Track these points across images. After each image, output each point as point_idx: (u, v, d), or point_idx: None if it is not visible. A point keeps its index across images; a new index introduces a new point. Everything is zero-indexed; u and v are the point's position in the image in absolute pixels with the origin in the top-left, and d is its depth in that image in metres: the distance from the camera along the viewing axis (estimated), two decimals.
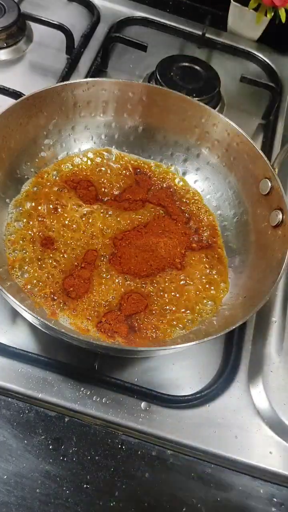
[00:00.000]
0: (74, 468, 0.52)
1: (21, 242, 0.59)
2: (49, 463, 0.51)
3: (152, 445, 0.54)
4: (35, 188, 0.63)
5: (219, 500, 0.53)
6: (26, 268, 0.57)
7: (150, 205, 0.66)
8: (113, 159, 0.69)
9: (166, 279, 0.60)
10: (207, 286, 0.61)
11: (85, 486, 0.51)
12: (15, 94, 0.71)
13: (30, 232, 0.60)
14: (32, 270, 0.57)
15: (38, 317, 0.46)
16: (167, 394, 0.56)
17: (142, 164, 0.70)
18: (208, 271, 0.62)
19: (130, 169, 0.69)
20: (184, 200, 0.68)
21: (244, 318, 0.51)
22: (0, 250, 0.57)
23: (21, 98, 0.59)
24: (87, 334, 0.54)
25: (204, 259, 0.63)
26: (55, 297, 0.56)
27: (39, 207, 0.62)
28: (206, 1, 0.99)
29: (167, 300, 0.58)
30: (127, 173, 0.68)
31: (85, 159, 0.68)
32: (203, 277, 0.61)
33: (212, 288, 0.60)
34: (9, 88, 0.72)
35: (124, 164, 0.69)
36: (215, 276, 0.61)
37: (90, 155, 0.68)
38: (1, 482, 0.50)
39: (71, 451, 0.52)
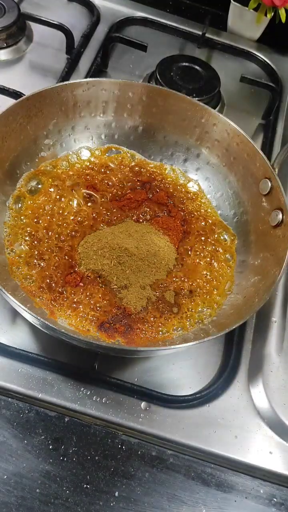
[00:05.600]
0: (74, 468, 0.52)
1: (20, 241, 0.59)
2: (49, 463, 0.51)
3: (152, 445, 0.54)
4: (32, 184, 0.63)
5: (219, 500, 0.53)
6: (25, 267, 0.57)
7: (150, 204, 0.66)
8: (116, 158, 0.69)
9: (166, 278, 0.60)
10: (208, 285, 0.61)
11: (85, 486, 0.51)
12: (15, 94, 0.71)
13: (29, 231, 0.60)
14: (32, 269, 0.57)
15: (38, 317, 0.46)
16: (167, 394, 0.56)
17: (143, 165, 0.70)
18: (209, 270, 0.62)
19: (132, 169, 0.69)
20: (184, 200, 0.68)
21: (244, 318, 0.51)
22: (0, 250, 0.57)
23: (21, 98, 0.60)
24: (87, 334, 0.54)
25: (206, 258, 0.63)
26: (55, 294, 0.56)
27: (38, 207, 0.62)
28: (206, 1, 1.00)
29: (166, 300, 0.58)
30: (129, 173, 0.68)
31: (85, 158, 0.68)
32: (204, 276, 0.61)
33: (213, 287, 0.60)
34: (9, 88, 0.72)
35: (126, 164, 0.69)
36: (217, 275, 0.61)
37: (88, 154, 0.68)
38: (1, 482, 0.50)
39: (71, 451, 0.52)
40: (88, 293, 0.57)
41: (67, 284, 0.57)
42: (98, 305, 0.56)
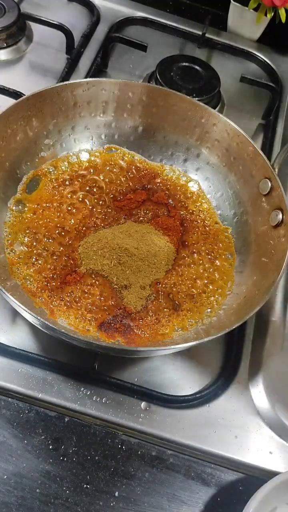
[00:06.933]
0: (74, 468, 0.52)
1: (20, 241, 0.59)
2: (49, 463, 0.51)
3: (152, 445, 0.54)
4: (32, 185, 0.63)
5: (219, 500, 0.53)
6: (25, 267, 0.57)
7: (150, 204, 0.66)
8: (116, 158, 0.69)
9: (166, 279, 0.60)
10: (211, 285, 0.60)
11: (85, 486, 0.51)
12: (15, 94, 0.71)
13: (29, 231, 0.60)
14: (32, 269, 0.57)
15: (38, 317, 0.46)
16: (167, 394, 0.56)
17: (143, 165, 0.70)
18: (209, 270, 0.62)
19: (132, 169, 0.69)
20: (184, 200, 0.67)
21: (244, 318, 0.51)
22: (0, 250, 0.57)
23: (21, 98, 0.60)
24: (87, 334, 0.54)
25: (206, 258, 0.63)
26: (55, 293, 0.56)
27: (38, 207, 0.62)
28: (206, 1, 1.00)
29: (166, 300, 0.58)
30: (128, 173, 0.68)
31: (85, 159, 0.68)
32: (204, 276, 0.61)
33: (217, 287, 0.60)
34: (9, 88, 0.72)
35: (126, 164, 0.69)
36: (219, 275, 0.61)
37: (88, 155, 0.68)
38: (1, 482, 0.50)
39: (71, 451, 0.52)
40: (88, 293, 0.57)
41: (67, 284, 0.57)
42: (97, 305, 0.56)
